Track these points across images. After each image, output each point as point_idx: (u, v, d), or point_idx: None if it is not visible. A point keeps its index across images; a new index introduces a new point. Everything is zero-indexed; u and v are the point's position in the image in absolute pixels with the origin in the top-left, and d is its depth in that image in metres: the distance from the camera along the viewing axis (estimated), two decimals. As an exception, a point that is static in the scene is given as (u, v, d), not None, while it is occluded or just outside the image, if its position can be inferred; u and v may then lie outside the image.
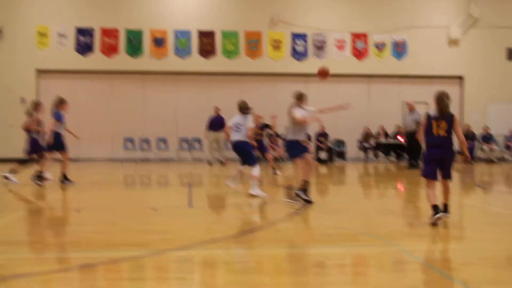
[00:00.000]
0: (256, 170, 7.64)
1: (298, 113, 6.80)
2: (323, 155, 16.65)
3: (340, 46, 17.55)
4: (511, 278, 3.85)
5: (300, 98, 7.04)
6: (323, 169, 14.28)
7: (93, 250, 4.47)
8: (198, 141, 16.88)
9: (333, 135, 16.96)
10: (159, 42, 16.80)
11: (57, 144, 9.13)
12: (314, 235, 5.43)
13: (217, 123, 14.70)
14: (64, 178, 9.24)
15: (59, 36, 16.37)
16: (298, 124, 6.88)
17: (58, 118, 9.15)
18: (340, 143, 17.33)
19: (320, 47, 17.47)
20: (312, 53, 17.47)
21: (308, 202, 6.73)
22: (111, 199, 8.08)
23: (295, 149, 7.00)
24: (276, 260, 4.25)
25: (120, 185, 10.48)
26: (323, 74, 7.60)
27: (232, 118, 7.97)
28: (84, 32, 16.47)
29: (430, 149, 5.63)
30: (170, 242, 4.70)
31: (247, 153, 7.85)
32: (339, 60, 17.51)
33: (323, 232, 5.46)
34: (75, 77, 16.75)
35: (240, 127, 7.77)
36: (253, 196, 7.61)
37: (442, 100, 5.55)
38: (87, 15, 16.50)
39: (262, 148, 12.04)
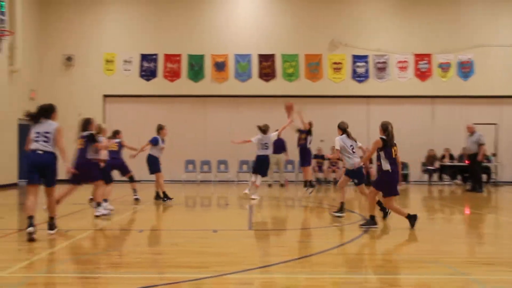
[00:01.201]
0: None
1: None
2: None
3: (403, 67, 17.41)
4: None
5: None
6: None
7: (154, 271, 4.76)
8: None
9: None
10: (220, 66, 17.25)
11: (154, 166, 10.51)
12: (375, 261, 5.41)
13: (277, 146, 14.86)
14: (164, 196, 10.66)
15: (125, 63, 17.13)
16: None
17: (155, 142, 10.47)
18: (403, 165, 17.05)
19: (381, 68, 17.40)
20: (373, 75, 17.43)
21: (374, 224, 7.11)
22: (172, 220, 8.64)
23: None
24: (336, 286, 4.28)
25: (182, 206, 10.97)
26: (289, 108, 9.28)
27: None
28: (148, 58, 17.18)
29: None
30: (230, 265, 4.88)
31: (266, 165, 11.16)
32: (402, 81, 17.39)
33: (385, 259, 5.48)
34: (139, 101, 17.44)
35: (267, 145, 11.05)
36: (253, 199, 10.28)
37: None
38: (151, 42, 17.26)
39: (304, 155, 12.31)
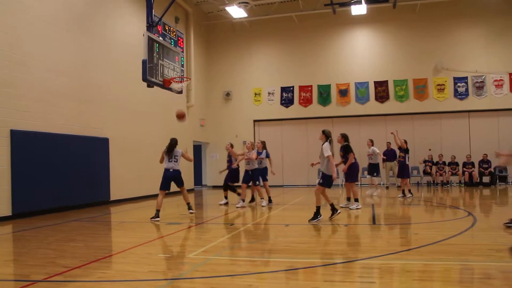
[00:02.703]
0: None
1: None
2: (486, 179, 20.06)
3: (499, 85, 20.96)
4: None
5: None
6: (486, 192, 16.40)
7: (297, 257, 5.68)
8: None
9: (495, 162, 20.27)
10: (343, 92, 21.81)
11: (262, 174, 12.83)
12: (482, 250, 5.93)
13: (389, 155, 18.72)
14: (269, 201, 12.74)
15: (269, 94, 22.22)
16: None
17: (267, 155, 12.77)
18: (503, 168, 20.59)
19: (479, 87, 21.06)
20: (472, 93, 21.10)
21: None
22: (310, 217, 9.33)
23: None
24: (448, 271, 4.89)
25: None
26: (181, 116, 10.27)
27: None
28: (286, 90, 22.14)
29: None
30: (360, 253, 5.92)
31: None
32: (498, 97, 20.93)
33: (490, 248, 6.02)
34: (280, 124, 22.43)
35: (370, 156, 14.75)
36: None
37: None
38: (288, 77, 22.20)
39: (402, 170, 14.22)
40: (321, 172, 8.76)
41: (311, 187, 20.46)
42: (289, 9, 21.49)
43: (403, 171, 14.15)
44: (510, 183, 20.17)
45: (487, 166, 19.97)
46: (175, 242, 7.36)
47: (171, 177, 10.14)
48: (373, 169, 15.49)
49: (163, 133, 18.63)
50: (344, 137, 11.08)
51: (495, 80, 20.98)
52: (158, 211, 9.77)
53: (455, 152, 20.42)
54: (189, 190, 19.66)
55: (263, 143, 12.81)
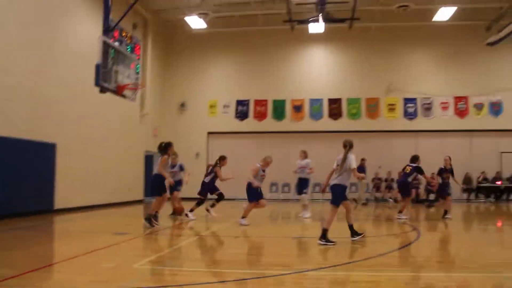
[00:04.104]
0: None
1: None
2: (431, 196, 20.83)
3: (445, 107, 21.98)
4: None
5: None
6: (432, 209, 16.58)
7: (245, 268, 5.80)
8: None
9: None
10: (297, 108, 22.17)
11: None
12: (423, 263, 6.27)
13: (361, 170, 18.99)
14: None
15: (224, 107, 22.25)
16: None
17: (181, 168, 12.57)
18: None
19: (427, 108, 22.00)
20: (421, 114, 22.00)
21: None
22: (261, 230, 9.96)
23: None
24: (393, 281, 5.04)
25: (267, 219, 12.89)
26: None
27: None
28: (242, 103, 22.25)
29: None
30: (307, 264, 6.04)
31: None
32: (444, 118, 21.92)
33: (433, 260, 6.38)
34: (234, 137, 22.44)
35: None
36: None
37: None
38: (244, 90, 22.34)
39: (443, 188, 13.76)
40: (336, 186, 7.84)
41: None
42: (249, 23, 21.68)
43: (443, 190, 13.56)
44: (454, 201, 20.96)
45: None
46: (120, 252, 7.17)
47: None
48: (303, 185, 13.42)
49: (114, 141, 18.21)
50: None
51: (442, 103, 21.97)
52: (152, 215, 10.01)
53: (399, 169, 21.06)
54: (139, 201, 19.36)
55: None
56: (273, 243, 8.16)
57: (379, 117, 22.05)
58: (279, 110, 22.14)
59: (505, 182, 21.27)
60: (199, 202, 12.26)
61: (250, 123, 22.32)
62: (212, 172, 12.28)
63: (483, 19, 20.96)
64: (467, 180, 21.45)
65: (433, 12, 19.77)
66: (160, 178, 10.15)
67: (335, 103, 22.10)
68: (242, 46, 22.73)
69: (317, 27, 20.22)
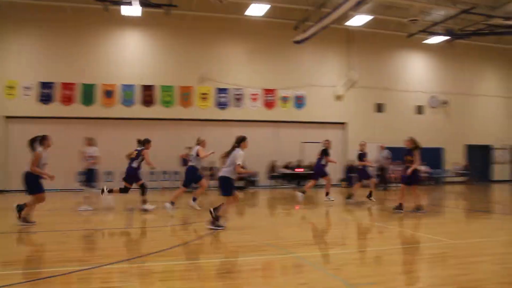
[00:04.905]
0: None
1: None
2: (240, 183, 22.05)
3: (254, 98, 23.33)
4: (376, 272, 5.04)
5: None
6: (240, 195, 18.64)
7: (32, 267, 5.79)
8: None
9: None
10: (109, 94, 21.49)
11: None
12: (228, 247, 6.79)
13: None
14: None
15: (25, 89, 20.53)
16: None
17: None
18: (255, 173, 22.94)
19: (238, 99, 23.12)
20: (233, 104, 23.04)
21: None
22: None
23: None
24: (189, 270, 5.35)
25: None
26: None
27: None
28: (46, 86, 20.77)
29: None
30: (105, 258, 5.93)
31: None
32: (253, 109, 23.27)
33: (236, 245, 6.84)
34: (37, 122, 20.79)
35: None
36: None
37: None
38: (50, 72, 20.80)
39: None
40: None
41: (64, 191, 19.46)
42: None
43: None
44: (261, 187, 22.55)
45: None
46: None
47: None
48: (91, 177, 12.79)
49: None
50: None
51: (252, 94, 23.26)
52: None
53: (214, 158, 21.85)
54: None
55: None
56: (67, 237, 7.83)
57: (192, 106, 22.46)
58: (88, 94, 21.20)
59: (306, 169, 23.38)
60: (125, 190, 11.74)
61: (56, 108, 20.95)
62: (140, 155, 11.77)
63: (292, 18, 22.64)
64: (273, 167, 23.12)
65: (248, 7, 20.61)
66: None
67: (148, 89, 21.93)
68: (49, 21, 20.97)
69: (132, 10, 19.63)
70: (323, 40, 23.53)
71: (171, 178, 21.96)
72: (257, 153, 20.83)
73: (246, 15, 21.67)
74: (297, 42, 22.40)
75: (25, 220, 9.28)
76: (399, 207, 11.66)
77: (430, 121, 26.40)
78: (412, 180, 11.67)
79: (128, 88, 21.63)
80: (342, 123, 24.65)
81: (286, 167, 23.16)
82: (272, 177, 23.08)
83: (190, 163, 12.30)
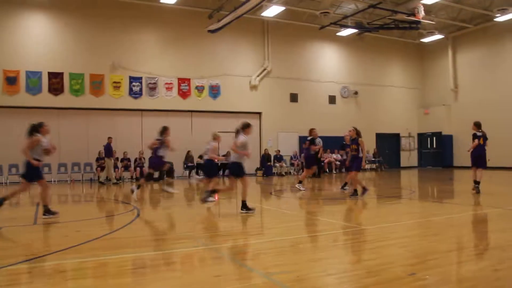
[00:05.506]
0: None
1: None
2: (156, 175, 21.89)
3: (169, 88, 23.19)
4: (288, 261, 5.14)
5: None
6: (156, 186, 17.71)
7: None
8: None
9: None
10: (11, 80, 20.37)
11: None
12: (140, 242, 6.56)
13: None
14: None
15: None
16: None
17: None
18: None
19: (152, 88, 22.87)
20: (146, 93, 22.75)
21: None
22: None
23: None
24: (104, 266, 5.14)
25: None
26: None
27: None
28: None
29: None
30: (7, 258, 5.36)
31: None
32: (168, 99, 23.14)
33: (148, 239, 6.84)
34: None
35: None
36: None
37: None
38: None
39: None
40: None
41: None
42: None
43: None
44: (176, 178, 22.51)
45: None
46: None
47: None
48: None
49: None
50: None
51: (166, 83, 23.10)
52: None
53: (128, 149, 21.58)
54: None
55: None
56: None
57: (104, 95, 21.89)
58: (-12, 81, 19.93)
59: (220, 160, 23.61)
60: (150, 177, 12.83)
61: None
62: (163, 143, 12.05)
63: (206, 7, 22.67)
64: (189, 158, 23.17)
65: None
66: None
67: (56, 77, 21.06)
68: None
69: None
70: (238, 30, 23.85)
71: (81, 170, 21.35)
72: (172, 143, 20.65)
73: (159, 2, 21.42)
74: (212, 31, 22.48)
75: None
76: (354, 193, 12.21)
77: (342, 110, 27.68)
78: (355, 166, 12.24)
79: (33, 75, 20.64)
80: (258, 113, 25.19)
81: (201, 157, 23.25)
82: (187, 168, 23.13)
83: (205, 157, 12.65)
